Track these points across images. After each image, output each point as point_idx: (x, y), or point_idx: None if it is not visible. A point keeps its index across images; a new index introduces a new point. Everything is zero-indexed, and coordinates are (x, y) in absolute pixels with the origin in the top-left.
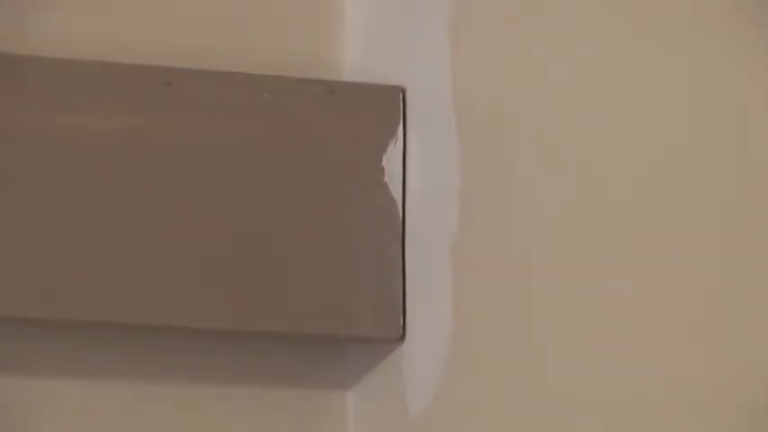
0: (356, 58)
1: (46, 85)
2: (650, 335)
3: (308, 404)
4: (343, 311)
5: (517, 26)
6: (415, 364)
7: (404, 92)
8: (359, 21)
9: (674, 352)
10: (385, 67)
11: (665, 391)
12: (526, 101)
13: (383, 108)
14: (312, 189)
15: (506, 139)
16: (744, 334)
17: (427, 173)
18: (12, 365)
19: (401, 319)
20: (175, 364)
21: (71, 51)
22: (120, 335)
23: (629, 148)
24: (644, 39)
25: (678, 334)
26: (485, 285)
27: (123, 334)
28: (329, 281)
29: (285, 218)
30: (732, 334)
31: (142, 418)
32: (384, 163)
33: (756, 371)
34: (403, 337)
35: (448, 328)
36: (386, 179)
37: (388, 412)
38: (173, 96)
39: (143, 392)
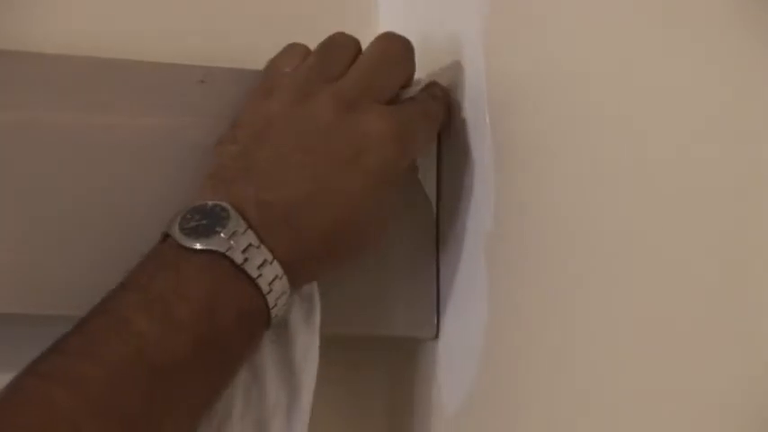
0: None
1: (78, 83)
2: (695, 329)
3: (341, 404)
4: (377, 311)
5: (552, 27)
6: (450, 364)
7: None
8: (391, 21)
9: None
10: (418, 68)
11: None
12: (561, 100)
13: None
14: None
15: (541, 138)
16: None
17: (462, 171)
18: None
19: (435, 319)
20: None
21: (103, 49)
22: None
23: (671, 148)
24: (680, 39)
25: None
26: (519, 284)
27: None
28: (362, 280)
29: None
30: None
31: None
32: (418, 161)
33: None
34: (437, 336)
35: (482, 326)
36: (420, 177)
37: (421, 412)
38: (206, 94)
39: None
